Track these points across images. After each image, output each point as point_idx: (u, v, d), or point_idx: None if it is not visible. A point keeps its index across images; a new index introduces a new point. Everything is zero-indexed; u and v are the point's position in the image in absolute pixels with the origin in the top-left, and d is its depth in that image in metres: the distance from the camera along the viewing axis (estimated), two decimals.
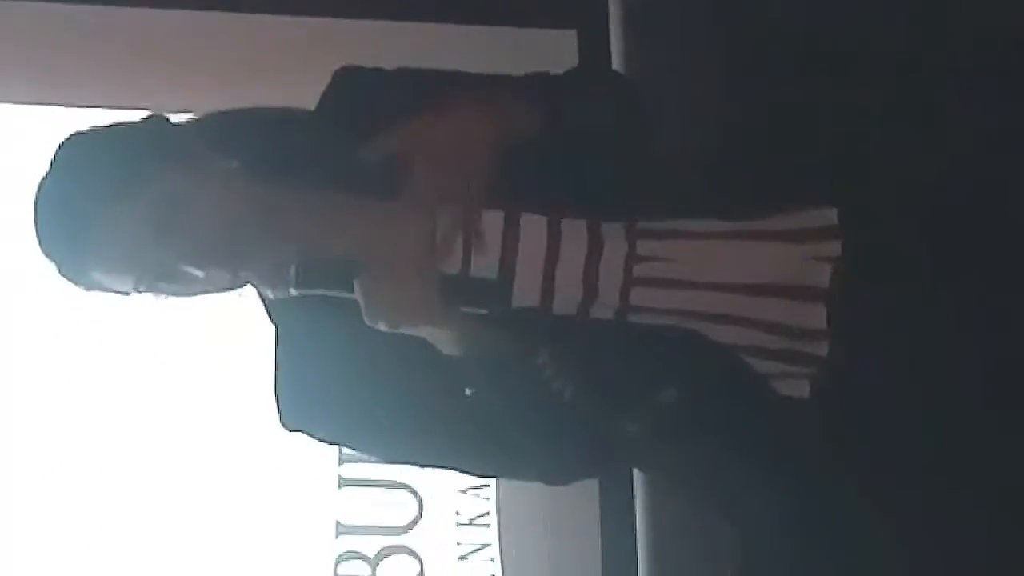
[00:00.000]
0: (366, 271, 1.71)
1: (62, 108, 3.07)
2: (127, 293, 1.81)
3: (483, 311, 1.73)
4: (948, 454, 1.78)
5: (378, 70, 1.89)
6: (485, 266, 1.76)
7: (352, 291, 1.71)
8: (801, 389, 1.79)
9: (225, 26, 3.20)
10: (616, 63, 3.20)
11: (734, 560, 1.91)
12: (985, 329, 1.79)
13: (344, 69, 1.89)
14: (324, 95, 1.88)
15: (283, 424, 1.89)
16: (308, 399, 1.87)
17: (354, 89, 1.87)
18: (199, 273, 1.75)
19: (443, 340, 1.75)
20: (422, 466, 2.00)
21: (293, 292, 1.73)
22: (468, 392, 1.77)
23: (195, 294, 1.81)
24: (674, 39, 3.18)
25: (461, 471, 1.95)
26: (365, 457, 3.20)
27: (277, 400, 1.89)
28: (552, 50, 3.23)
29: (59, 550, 3.08)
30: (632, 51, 3.18)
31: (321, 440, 1.92)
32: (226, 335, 3.07)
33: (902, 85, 1.90)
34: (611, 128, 1.82)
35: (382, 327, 1.72)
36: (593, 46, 3.24)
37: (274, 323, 1.88)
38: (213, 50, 3.16)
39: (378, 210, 1.79)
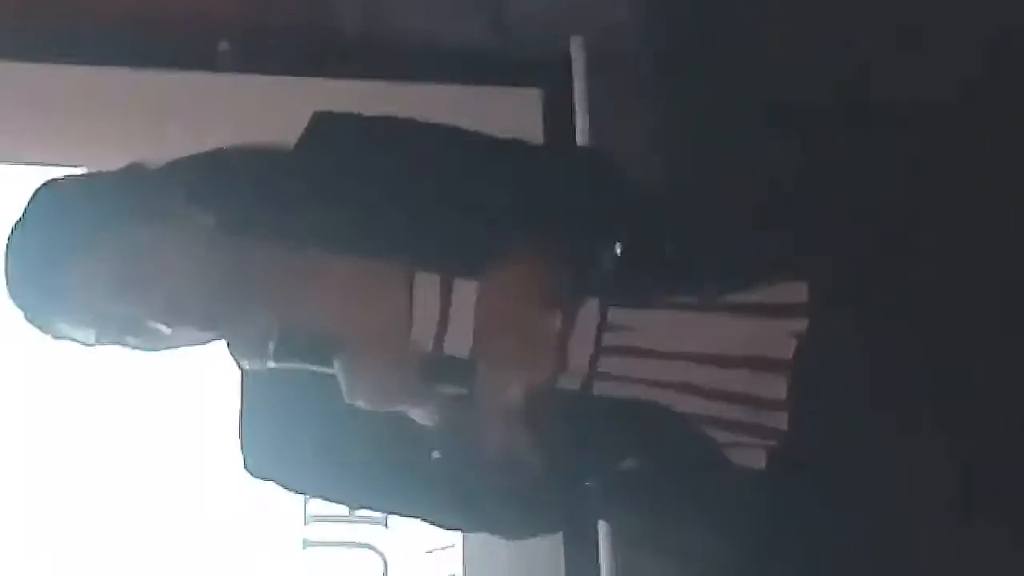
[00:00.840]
0: (346, 350, 1.71)
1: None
2: (90, 344, 1.80)
3: (460, 390, 1.73)
4: (900, 536, 1.79)
5: (357, 115, 1.88)
6: (457, 343, 1.75)
7: (331, 367, 1.71)
8: (758, 460, 1.80)
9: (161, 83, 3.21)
10: (580, 124, 3.21)
11: None
12: (950, 411, 1.81)
13: (323, 113, 1.87)
14: (302, 140, 1.85)
15: (248, 470, 1.88)
16: (275, 446, 1.86)
17: (333, 135, 1.85)
18: (166, 330, 1.74)
19: (418, 414, 1.75)
20: (388, 513, 2.00)
21: (271, 365, 1.72)
22: (435, 454, 1.77)
23: (161, 349, 1.80)
24: (639, 97, 3.21)
25: (427, 522, 1.95)
26: (330, 516, 3.19)
27: (242, 445, 1.88)
28: (516, 109, 3.24)
29: None
30: (596, 112, 3.19)
31: (288, 488, 1.91)
32: (186, 384, 3.05)
33: (871, 160, 1.92)
34: (588, 204, 1.81)
35: (362, 406, 1.71)
36: (557, 106, 3.26)
37: (239, 364, 1.86)
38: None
39: (356, 272, 1.77)
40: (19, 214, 1.80)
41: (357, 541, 3.20)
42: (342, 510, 3.17)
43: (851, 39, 3.07)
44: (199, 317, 1.74)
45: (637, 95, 3.21)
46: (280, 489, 1.91)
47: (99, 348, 1.81)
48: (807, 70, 2.99)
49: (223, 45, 3.26)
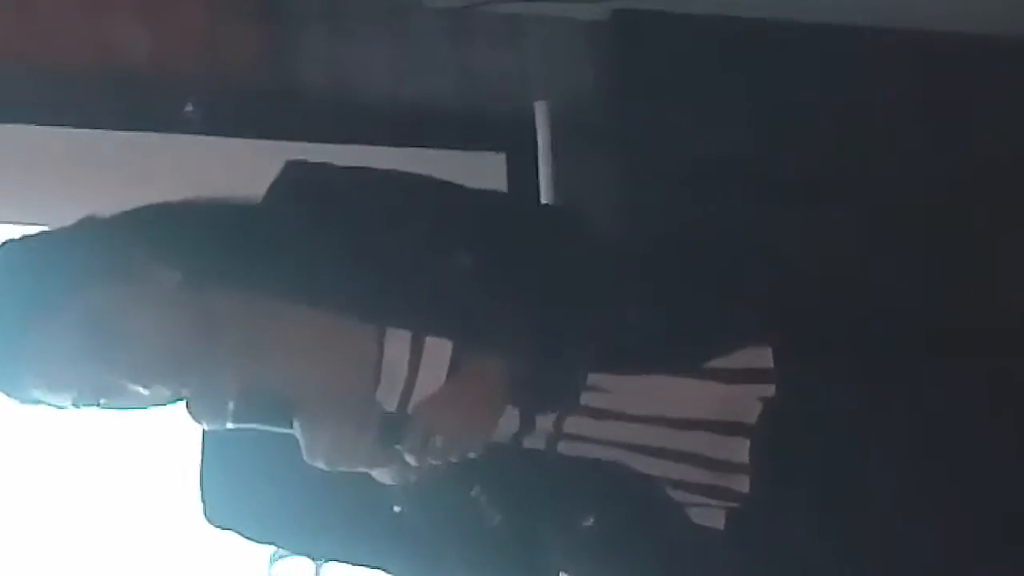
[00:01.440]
0: (305, 412, 1.70)
1: None
2: (64, 408, 1.76)
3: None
4: None
5: (329, 166, 1.86)
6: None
7: (290, 427, 1.70)
8: (716, 520, 1.82)
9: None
10: (544, 187, 3.22)
11: None
12: (908, 482, 1.81)
13: (295, 162, 1.84)
14: (272, 189, 1.82)
15: (208, 520, 1.86)
16: (236, 496, 1.85)
17: (304, 184, 1.83)
18: (144, 391, 1.72)
19: (379, 472, 1.75)
20: (351, 564, 1.99)
21: (230, 425, 1.71)
22: (396, 509, 1.77)
23: (135, 408, 1.77)
24: (603, 161, 3.23)
25: (386, 573, 1.93)
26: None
27: (202, 494, 1.86)
28: (481, 173, 3.25)
29: None
30: (560, 176, 3.21)
31: (248, 538, 1.90)
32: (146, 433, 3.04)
33: (837, 225, 1.94)
34: (559, 264, 1.82)
35: (320, 466, 1.70)
36: (521, 169, 3.27)
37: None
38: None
39: (324, 328, 1.76)
40: None
41: None
42: (307, 573, 3.15)
43: (810, 107, 3.11)
44: (171, 377, 1.72)
45: (601, 159, 3.23)
46: (240, 539, 1.89)
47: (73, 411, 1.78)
48: (769, 133, 3.02)
49: (188, 106, 3.26)
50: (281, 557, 3.15)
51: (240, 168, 3.02)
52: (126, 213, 1.80)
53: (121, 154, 3.15)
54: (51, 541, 3.11)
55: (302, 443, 1.70)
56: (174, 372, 1.72)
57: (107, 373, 1.71)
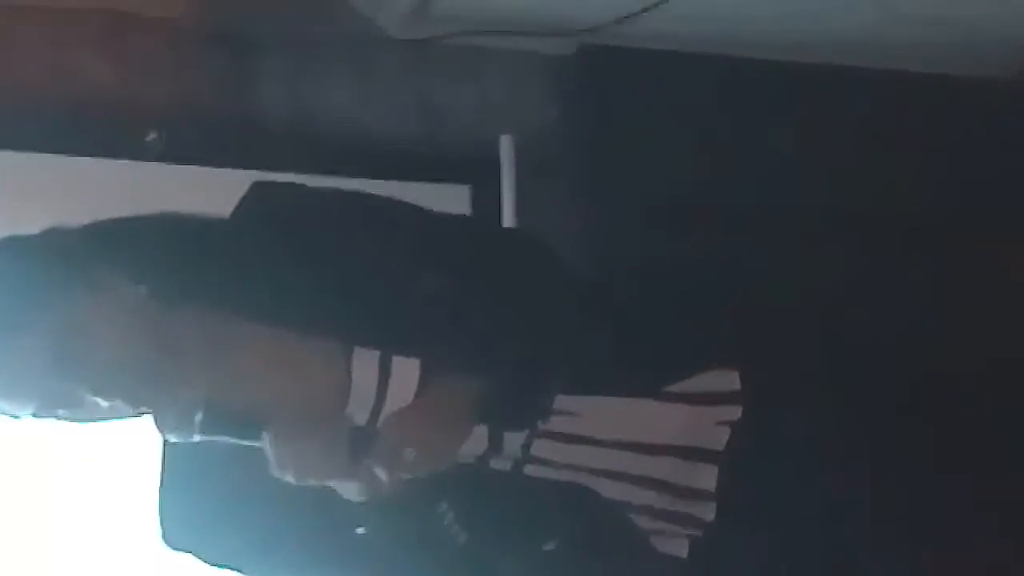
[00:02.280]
0: (274, 424, 1.68)
1: None
2: (20, 418, 1.75)
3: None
4: None
5: (296, 185, 1.86)
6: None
7: (258, 440, 1.68)
8: (680, 548, 1.82)
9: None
10: (507, 221, 3.23)
11: None
12: (883, 507, 1.82)
13: (261, 183, 1.84)
14: (239, 207, 1.81)
15: (166, 543, 1.84)
16: (195, 517, 1.83)
17: (271, 203, 1.82)
18: (104, 404, 1.70)
19: (346, 489, 1.73)
20: None
21: (196, 438, 1.69)
22: (360, 530, 1.76)
23: (94, 421, 1.75)
24: (567, 196, 3.23)
25: None
26: None
27: (161, 516, 1.84)
28: (445, 205, 3.24)
29: None
30: (523, 209, 3.22)
31: (206, 562, 1.87)
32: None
33: (803, 245, 1.95)
34: (526, 288, 1.81)
35: (289, 480, 1.69)
36: (485, 202, 3.28)
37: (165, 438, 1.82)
38: None
39: (292, 345, 1.75)
40: None
41: None
42: None
43: (773, 140, 3.13)
44: (134, 390, 1.70)
45: (565, 193, 3.24)
46: (198, 562, 1.87)
47: (28, 420, 1.76)
48: (731, 167, 3.04)
49: (151, 135, 3.26)
50: None
51: (203, 196, 3.01)
52: (92, 224, 1.79)
53: (83, 180, 3.14)
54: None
55: (270, 456, 1.68)
56: (135, 386, 1.70)
57: (68, 384, 1.69)
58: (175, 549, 1.85)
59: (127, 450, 2.87)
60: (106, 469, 3.06)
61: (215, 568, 1.91)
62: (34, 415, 1.74)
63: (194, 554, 1.85)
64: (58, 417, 1.74)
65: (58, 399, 1.71)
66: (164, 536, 1.84)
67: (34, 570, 3.06)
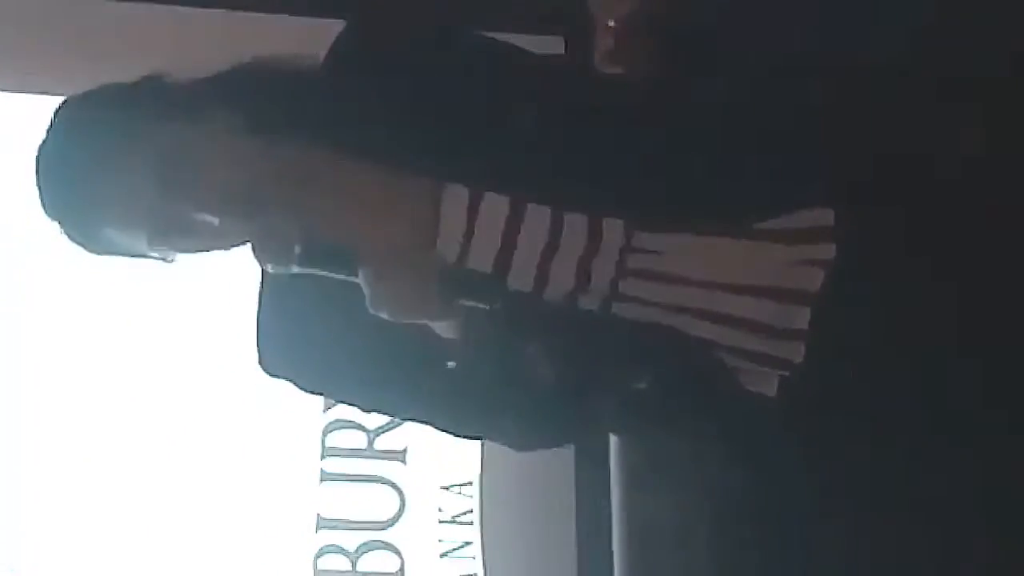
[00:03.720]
0: (371, 261, 1.72)
1: None
2: (140, 254, 1.82)
3: (482, 305, 1.74)
4: (907, 472, 1.81)
5: (391, 20, 1.86)
6: (482, 257, 1.76)
7: (355, 275, 1.72)
8: (769, 386, 1.81)
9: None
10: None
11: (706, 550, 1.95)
12: (972, 354, 1.79)
13: (356, 22, 1.85)
14: (334, 45, 1.83)
15: (263, 368, 1.89)
16: (291, 344, 1.88)
17: (368, 38, 1.84)
18: (214, 221, 1.75)
19: (439, 326, 1.77)
20: (400, 418, 2.00)
21: (295, 270, 1.73)
22: (451, 364, 1.79)
23: (208, 249, 1.81)
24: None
25: (436, 428, 1.96)
26: (348, 451, 3.22)
27: (258, 342, 1.89)
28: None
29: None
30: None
31: (301, 388, 1.93)
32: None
33: (902, 85, 1.90)
34: (615, 130, 1.81)
35: (384, 316, 1.73)
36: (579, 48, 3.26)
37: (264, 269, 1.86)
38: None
39: (384, 182, 1.77)
40: (45, 134, 1.82)
41: (374, 476, 3.24)
42: (360, 443, 3.20)
43: None
44: (242, 207, 1.75)
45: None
46: (293, 388, 1.92)
47: (142, 259, 1.83)
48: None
49: None
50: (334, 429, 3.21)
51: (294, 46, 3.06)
52: (189, 69, 1.85)
53: (181, 31, 3.18)
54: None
55: (367, 292, 1.72)
56: (241, 205, 1.75)
57: (176, 206, 1.75)
58: (272, 375, 1.90)
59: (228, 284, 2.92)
60: (207, 301, 3.14)
61: (306, 392, 1.97)
62: (148, 245, 1.79)
63: (289, 380, 1.91)
64: (174, 246, 1.80)
65: (170, 224, 1.76)
66: (261, 362, 1.89)
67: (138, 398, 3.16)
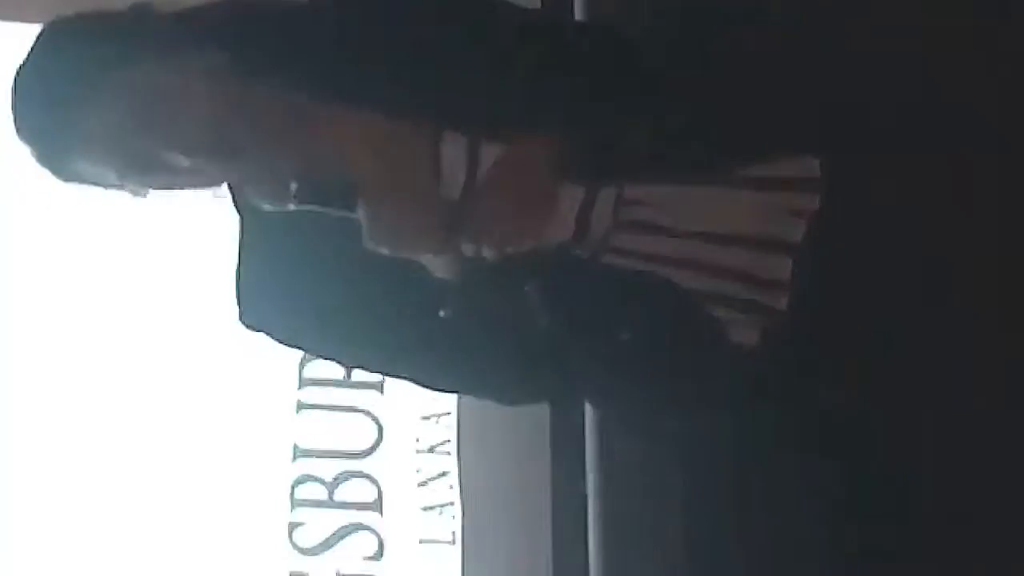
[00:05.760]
0: (371, 193, 1.70)
1: None
2: (108, 186, 1.76)
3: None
4: (897, 420, 1.82)
5: None
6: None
7: (353, 210, 1.70)
8: (751, 337, 1.82)
9: None
10: (579, 13, 3.19)
11: (681, 497, 1.97)
12: (952, 306, 1.80)
13: None
14: None
15: (243, 322, 1.86)
16: (273, 297, 1.84)
17: None
18: (184, 162, 1.71)
19: (437, 265, 1.76)
20: (381, 374, 1.99)
21: (291, 207, 1.71)
22: (442, 313, 1.77)
23: (181, 188, 1.77)
24: None
25: (418, 384, 1.97)
26: (325, 380, 3.22)
27: (238, 296, 1.86)
28: None
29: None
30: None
31: (282, 342, 1.90)
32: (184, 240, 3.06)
33: (899, 33, 1.89)
34: (610, 78, 1.81)
35: (383, 251, 1.71)
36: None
37: (239, 212, 1.85)
38: None
39: (379, 126, 1.76)
40: (25, 56, 1.77)
41: (352, 406, 3.25)
42: (337, 373, 3.20)
43: None
44: (216, 151, 1.71)
45: None
46: (273, 342, 1.89)
47: (112, 192, 1.78)
48: None
49: None
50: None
51: None
52: (174, 7, 1.80)
53: None
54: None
55: (365, 225, 1.70)
56: (219, 147, 1.71)
57: (151, 142, 1.71)
58: (251, 328, 1.87)
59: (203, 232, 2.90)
60: (184, 252, 3.13)
61: (288, 347, 1.95)
62: (119, 180, 1.74)
63: (269, 334, 1.88)
64: (144, 183, 1.76)
65: (143, 160, 1.71)
66: (241, 316, 1.86)
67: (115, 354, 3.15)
